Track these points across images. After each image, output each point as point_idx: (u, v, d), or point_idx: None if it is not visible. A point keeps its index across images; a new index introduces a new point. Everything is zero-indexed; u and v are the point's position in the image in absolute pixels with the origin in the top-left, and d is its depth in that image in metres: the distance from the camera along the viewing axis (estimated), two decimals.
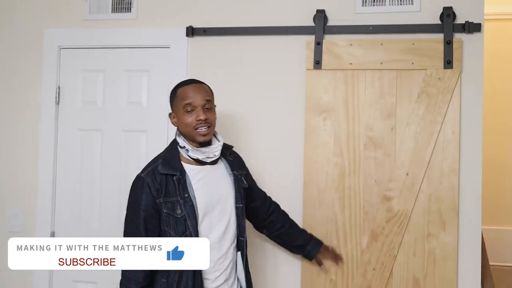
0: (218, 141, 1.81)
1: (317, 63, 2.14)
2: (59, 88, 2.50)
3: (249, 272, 1.86)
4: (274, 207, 2.05)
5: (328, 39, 2.17)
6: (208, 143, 1.76)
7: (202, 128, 1.71)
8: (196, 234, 1.67)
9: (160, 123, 2.40)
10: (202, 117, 1.70)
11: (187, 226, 1.67)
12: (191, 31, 2.34)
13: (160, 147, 2.37)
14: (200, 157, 1.74)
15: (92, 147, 2.47)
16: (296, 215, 2.18)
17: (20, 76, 2.53)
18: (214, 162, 1.78)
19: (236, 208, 1.77)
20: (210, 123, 1.72)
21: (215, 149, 1.75)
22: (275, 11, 2.28)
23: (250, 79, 2.30)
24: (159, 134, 2.40)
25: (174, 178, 1.69)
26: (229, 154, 1.86)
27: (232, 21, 2.32)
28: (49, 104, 2.50)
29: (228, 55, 2.33)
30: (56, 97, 2.49)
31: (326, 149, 2.14)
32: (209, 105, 1.74)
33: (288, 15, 2.26)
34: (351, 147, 2.12)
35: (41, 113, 2.50)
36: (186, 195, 1.68)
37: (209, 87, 1.84)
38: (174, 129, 2.36)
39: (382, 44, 2.11)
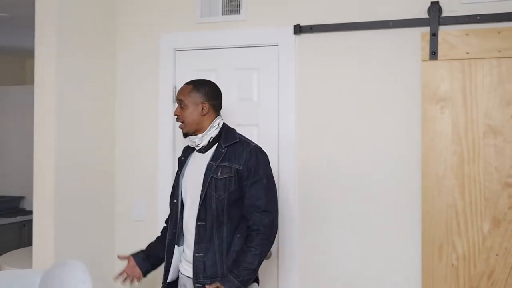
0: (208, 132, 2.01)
1: (433, 54, 2.19)
2: (175, 87, 2.68)
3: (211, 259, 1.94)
4: (253, 226, 1.93)
5: (441, 29, 2.22)
6: (195, 134, 2.02)
7: (178, 122, 2.04)
8: (181, 203, 2.06)
9: (270, 117, 2.53)
10: (174, 113, 2.05)
11: (177, 195, 2.08)
12: (299, 29, 2.45)
13: (270, 139, 2.52)
14: (190, 144, 2.08)
15: None
16: (414, 203, 2.24)
17: (140, 77, 2.75)
18: (203, 151, 2.03)
19: (200, 195, 1.95)
20: (181, 119, 2.01)
21: (195, 138, 2.02)
22: (383, 5, 2.34)
23: (362, 72, 2.37)
24: (270, 127, 2.53)
25: (178, 159, 2.16)
26: (224, 147, 1.99)
27: (339, 17, 2.40)
28: (166, 102, 2.69)
29: (336, 50, 2.41)
30: (173, 96, 2.68)
31: (443, 137, 2.18)
32: (183, 104, 2.01)
33: (395, 8, 2.31)
34: (469, 135, 2.15)
35: (159, 111, 2.70)
36: (179, 172, 2.11)
37: (194, 87, 2.02)
38: (283, 123, 2.50)
39: (499, 33, 2.13)
